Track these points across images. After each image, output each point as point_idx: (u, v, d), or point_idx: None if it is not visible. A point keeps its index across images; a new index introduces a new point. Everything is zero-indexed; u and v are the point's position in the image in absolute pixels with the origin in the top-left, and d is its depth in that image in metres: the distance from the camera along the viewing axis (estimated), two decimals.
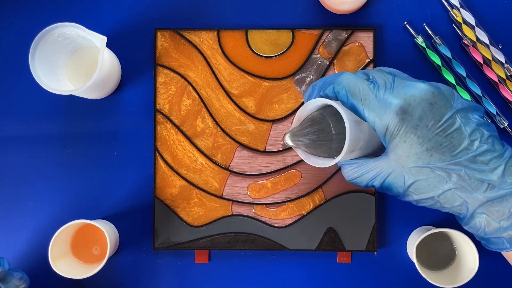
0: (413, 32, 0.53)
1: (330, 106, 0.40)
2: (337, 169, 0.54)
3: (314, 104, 0.40)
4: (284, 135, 0.40)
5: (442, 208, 0.39)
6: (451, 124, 0.37)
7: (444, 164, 0.36)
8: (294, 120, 0.41)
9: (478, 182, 0.37)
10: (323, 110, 0.41)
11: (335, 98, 0.40)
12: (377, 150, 0.42)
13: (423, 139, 0.36)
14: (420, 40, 0.53)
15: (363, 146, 0.40)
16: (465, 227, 0.40)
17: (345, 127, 0.39)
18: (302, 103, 0.52)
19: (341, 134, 0.40)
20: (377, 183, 0.39)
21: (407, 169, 0.37)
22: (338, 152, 0.40)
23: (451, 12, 0.54)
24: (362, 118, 0.39)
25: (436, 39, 0.53)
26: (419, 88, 0.37)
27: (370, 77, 0.39)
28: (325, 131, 0.41)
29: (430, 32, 0.54)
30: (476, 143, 0.37)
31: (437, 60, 0.53)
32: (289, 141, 0.40)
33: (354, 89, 0.38)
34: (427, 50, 0.53)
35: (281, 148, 0.54)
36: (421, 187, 0.38)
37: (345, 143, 0.37)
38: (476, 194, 0.37)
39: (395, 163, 0.38)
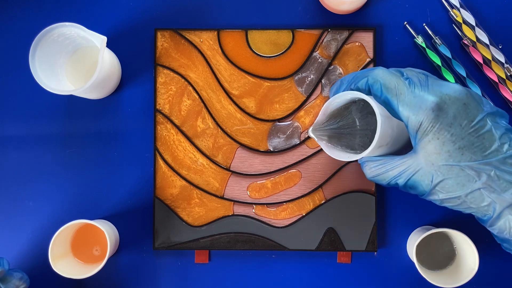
0: (413, 32, 0.53)
1: (357, 101, 0.41)
2: (337, 170, 0.54)
3: (343, 97, 0.41)
4: (310, 128, 0.42)
5: (467, 209, 0.39)
6: (483, 126, 0.37)
7: (475, 164, 0.37)
8: (320, 112, 0.42)
9: (507, 184, 0.37)
10: (350, 105, 0.42)
11: (367, 92, 0.40)
12: (402, 150, 0.43)
13: (456, 137, 0.37)
14: (420, 40, 0.53)
15: (390, 143, 0.40)
16: (489, 228, 0.40)
17: (370, 123, 0.40)
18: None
19: (365, 130, 0.42)
20: (401, 181, 0.39)
21: (437, 167, 0.37)
22: (361, 147, 0.41)
23: (451, 12, 0.54)
24: (394, 113, 0.39)
25: (436, 39, 0.53)
26: (454, 88, 0.38)
27: (404, 74, 0.39)
28: (350, 126, 0.42)
29: (430, 32, 0.54)
30: (506, 146, 0.37)
31: (437, 60, 0.53)
32: (311, 134, 0.42)
33: (389, 84, 0.39)
34: (427, 50, 0.53)
35: (284, 147, 0.54)
36: (449, 186, 0.38)
37: (376, 136, 0.38)
38: (505, 195, 0.37)
39: (424, 160, 0.38)
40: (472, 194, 0.38)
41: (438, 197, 0.39)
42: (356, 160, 0.43)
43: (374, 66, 0.54)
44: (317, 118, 0.42)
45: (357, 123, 0.42)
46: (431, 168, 0.38)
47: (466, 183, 0.37)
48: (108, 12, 0.55)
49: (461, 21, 0.53)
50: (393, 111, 0.39)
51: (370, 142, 0.41)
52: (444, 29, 0.54)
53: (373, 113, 0.42)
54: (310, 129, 0.42)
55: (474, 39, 0.53)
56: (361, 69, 0.54)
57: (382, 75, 0.39)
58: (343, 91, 0.42)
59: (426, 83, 0.38)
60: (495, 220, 0.39)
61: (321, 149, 0.54)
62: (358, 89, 0.41)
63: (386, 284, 0.54)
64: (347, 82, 0.42)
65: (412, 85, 0.38)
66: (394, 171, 0.39)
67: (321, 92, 0.54)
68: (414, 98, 0.38)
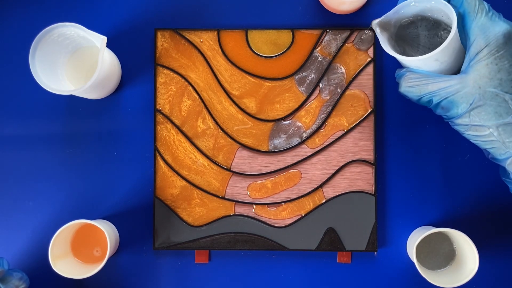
0: None
1: (428, 19, 0.43)
2: (337, 170, 0.54)
3: (424, 3, 0.41)
4: (376, 20, 0.43)
5: (489, 143, 0.40)
6: None
7: None
8: (393, 9, 0.42)
9: None
10: (419, 20, 0.43)
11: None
12: (445, 74, 0.43)
13: None
14: None
15: (443, 64, 0.41)
16: (507, 167, 0.41)
17: (434, 45, 0.41)
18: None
19: (427, 49, 0.43)
20: (437, 98, 0.40)
21: (483, 91, 0.39)
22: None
23: None
24: (461, 31, 0.40)
25: None
26: None
27: (484, 1, 0.40)
28: (415, 38, 0.43)
29: None
30: None
31: None
32: (374, 25, 0.43)
33: (471, 0, 0.40)
34: None
35: (287, 146, 0.54)
36: (486, 113, 0.39)
37: (443, 43, 0.38)
38: None
39: (473, 82, 0.39)
40: (504, 127, 0.39)
41: (468, 121, 0.40)
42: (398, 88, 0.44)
43: (374, 66, 0.54)
44: (386, 13, 0.42)
45: (421, 39, 0.43)
46: (477, 90, 0.39)
47: (504, 114, 0.39)
48: (108, 12, 0.55)
49: None
50: (460, 29, 0.40)
51: None
52: None
53: (439, 35, 0.43)
54: (376, 21, 0.42)
55: None
56: (361, 69, 0.54)
57: None
58: None
59: (501, 15, 0.40)
60: None
61: (321, 149, 0.54)
62: None
63: (386, 284, 0.54)
64: None
65: (491, 10, 0.40)
66: (434, 85, 0.40)
67: (319, 93, 0.54)
68: (489, 20, 0.39)
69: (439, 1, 0.40)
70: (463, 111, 0.40)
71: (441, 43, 0.39)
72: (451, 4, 0.41)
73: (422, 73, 0.41)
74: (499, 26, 0.39)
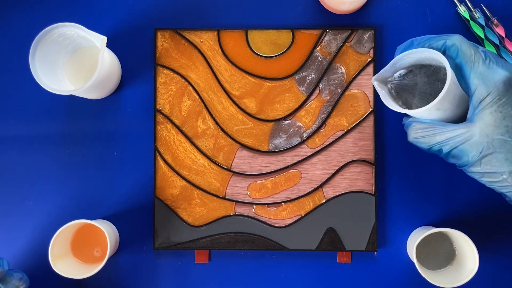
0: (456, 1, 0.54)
1: (426, 66, 0.42)
2: (337, 170, 0.54)
3: (418, 54, 0.41)
4: (374, 76, 0.43)
5: (504, 187, 0.40)
6: None
7: None
8: (389, 64, 0.42)
9: None
10: (416, 68, 0.43)
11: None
12: (452, 121, 0.43)
13: None
14: (462, 9, 0.53)
15: (446, 111, 0.41)
16: None
17: (434, 91, 0.41)
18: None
19: (427, 95, 0.43)
20: (447, 148, 0.40)
21: (491, 139, 0.38)
22: (417, 107, 0.42)
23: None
24: (461, 81, 0.40)
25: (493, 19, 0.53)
26: None
27: (480, 47, 0.40)
28: (413, 86, 0.43)
29: (486, 11, 0.54)
30: None
31: (480, 33, 0.53)
32: (374, 82, 0.43)
33: (467, 50, 0.39)
34: (471, 22, 0.53)
35: (287, 146, 0.54)
36: (497, 160, 0.39)
37: (442, 92, 0.38)
38: None
39: (480, 131, 0.39)
40: None
41: (480, 169, 0.39)
42: (403, 122, 0.44)
43: (374, 66, 0.54)
44: (384, 68, 0.42)
45: (420, 86, 0.43)
46: (484, 139, 0.38)
47: None
48: (108, 12, 0.55)
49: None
50: (460, 79, 0.40)
51: None
52: (445, 30, 0.54)
53: (440, 80, 0.43)
54: (374, 77, 0.42)
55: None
56: (361, 69, 0.54)
57: (461, 40, 0.40)
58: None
59: (499, 59, 0.40)
60: None
61: (321, 149, 0.54)
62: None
63: (386, 284, 0.54)
64: (419, 42, 0.42)
65: (488, 58, 0.39)
66: (442, 136, 0.40)
67: (319, 93, 0.54)
68: (488, 69, 0.39)
69: (433, 51, 0.40)
70: (473, 159, 0.39)
71: (442, 88, 0.39)
72: (448, 56, 0.40)
73: (428, 122, 0.41)
74: (498, 74, 0.38)
